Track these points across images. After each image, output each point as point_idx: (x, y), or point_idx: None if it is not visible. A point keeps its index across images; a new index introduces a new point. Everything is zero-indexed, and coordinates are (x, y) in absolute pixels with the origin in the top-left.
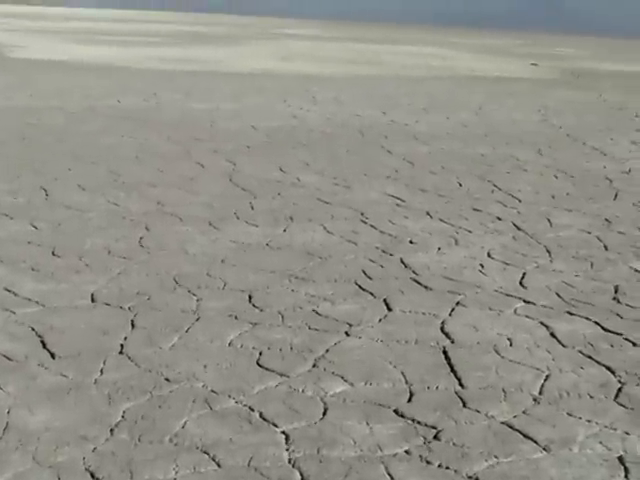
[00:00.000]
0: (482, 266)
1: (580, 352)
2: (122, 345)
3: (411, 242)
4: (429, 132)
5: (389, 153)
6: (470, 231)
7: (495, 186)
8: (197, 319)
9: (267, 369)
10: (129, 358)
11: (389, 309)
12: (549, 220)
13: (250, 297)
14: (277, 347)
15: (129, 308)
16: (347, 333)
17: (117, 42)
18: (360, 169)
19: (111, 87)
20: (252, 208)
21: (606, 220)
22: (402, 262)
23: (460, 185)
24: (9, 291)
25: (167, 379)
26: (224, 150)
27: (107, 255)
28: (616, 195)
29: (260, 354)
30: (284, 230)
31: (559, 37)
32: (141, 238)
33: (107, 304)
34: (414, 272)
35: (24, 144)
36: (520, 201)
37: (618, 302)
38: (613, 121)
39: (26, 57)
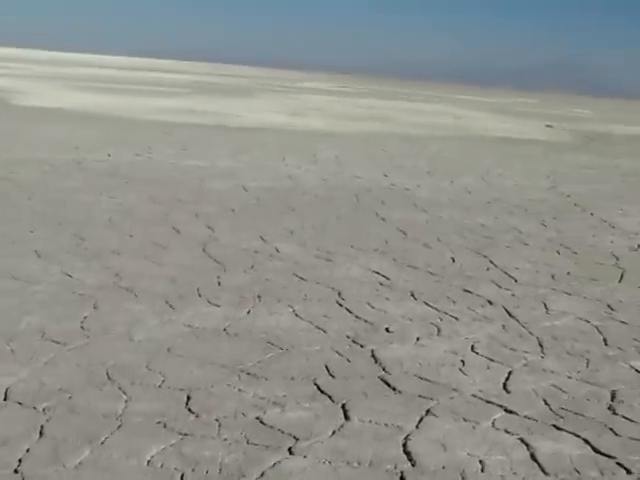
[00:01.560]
0: (463, 363)
1: None
2: (20, 461)
3: (387, 330)
4: (430, 198)
5: (383, 221)
6: (456, 318)
7: (491, 262)
8: (118, 427)
9: None
10: None
11: (347, 418)
12: (545, 305)
13: (188, 398)
14: (203, 469)
15: (43, 410)
16: (291, 450)
17: (122, 90)
18: (347, 239)
19: (105, 139)
20: (219, 284)
21: (608, 307)
22: (373, 356)
23: (453, 260)
24: None
25: None
26: (206, 214)
27: (39, 339)
28: (622, 276)
29: (181, 478)
30: (248, 312)
31: (574, 97)
32: (85, 318)
33: (20, 403)
34: (384, 369)
35: None
36: (516, 281)
37: (614, 413)
38: (625, 189)
39: (26, 105)
